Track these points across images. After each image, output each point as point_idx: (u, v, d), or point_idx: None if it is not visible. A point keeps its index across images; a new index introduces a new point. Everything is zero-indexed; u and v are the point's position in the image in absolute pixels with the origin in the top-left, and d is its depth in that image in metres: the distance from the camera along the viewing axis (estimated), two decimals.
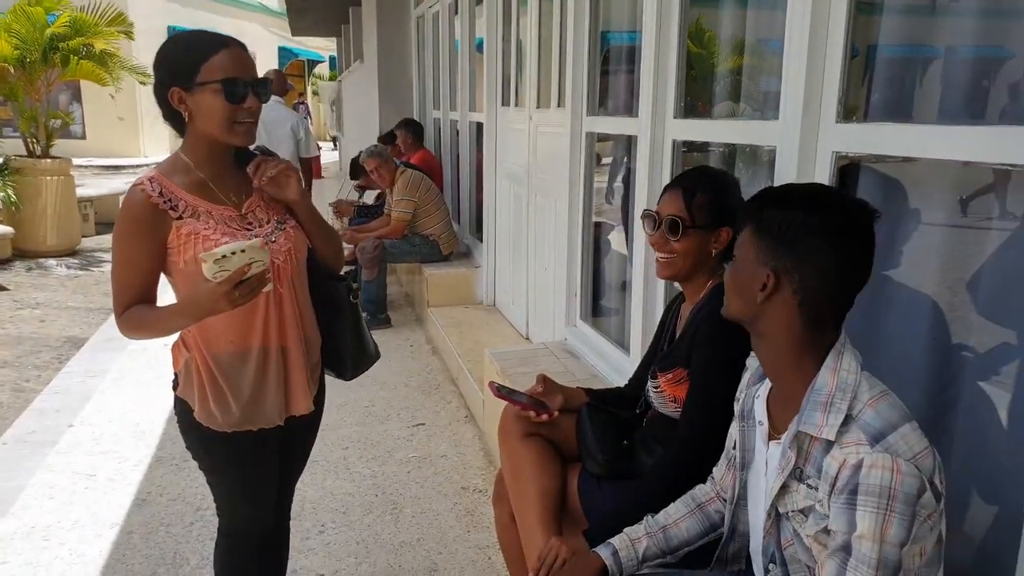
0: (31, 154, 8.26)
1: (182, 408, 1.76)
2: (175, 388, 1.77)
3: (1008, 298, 1.49)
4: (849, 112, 1.72)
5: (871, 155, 1.73)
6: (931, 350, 1.66)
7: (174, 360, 1.77)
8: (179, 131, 1.67)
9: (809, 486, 1.22)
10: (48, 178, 8.11)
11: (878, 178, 1.79)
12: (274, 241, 1.71)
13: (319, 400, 1.92)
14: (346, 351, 1.93)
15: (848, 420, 1.17)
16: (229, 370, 1.70)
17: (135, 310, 1.62)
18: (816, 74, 1.75)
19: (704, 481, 1.61)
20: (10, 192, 7.61)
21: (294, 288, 1.77)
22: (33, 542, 2.77)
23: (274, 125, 5.87)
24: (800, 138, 1.79)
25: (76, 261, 8.09)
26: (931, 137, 1.50)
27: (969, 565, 1.54)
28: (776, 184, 1.85)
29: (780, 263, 1.23)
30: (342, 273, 1.95)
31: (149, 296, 1.64)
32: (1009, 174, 1.45)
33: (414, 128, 6.69)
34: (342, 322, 1.91)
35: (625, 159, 3.23)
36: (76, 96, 18.71)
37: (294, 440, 1.90)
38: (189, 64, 1.58)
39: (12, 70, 7.98)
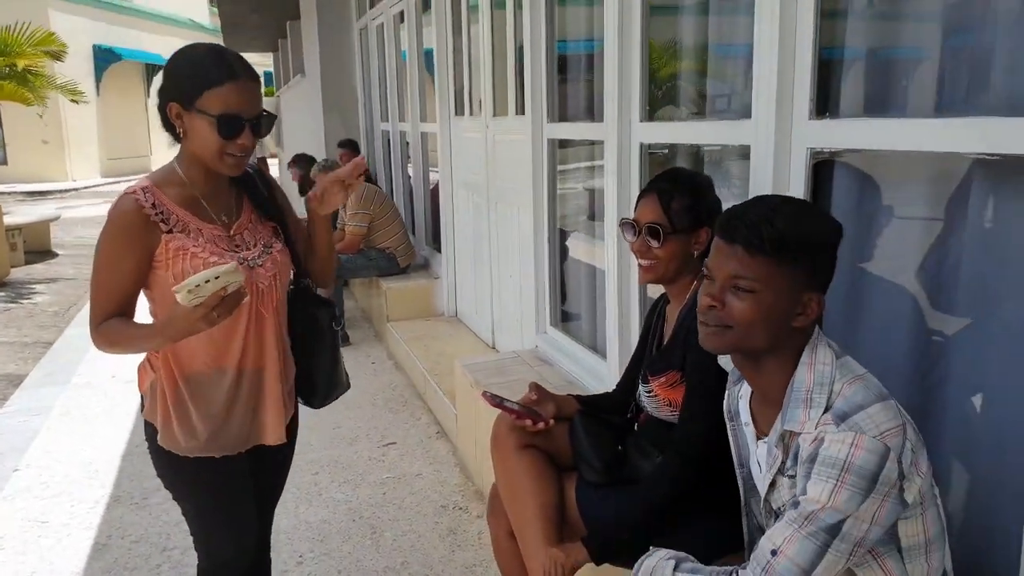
0: None
1: (150, 432, 1.69)
2: (142, 410, 1.71)
3: (978, 286, 1.52)
4: (821, 108, 1.74)
5: (846, 150, 1.74)
6: (910, 339, 1.68)
7: (140, 381, 1.71)
8: (176, 139, 1.61)
9: (789, 476, 1.25)
10: None
11: (853, 173, 1.81)
12: (260, 265, 1.67)
13: (292, 427, 1.86)
14: (320, 379, 1.89)
15: (826, 411, 1.20)
16: (199, 390, 1.64)
17: (113, 323, 1.56)
18: (787, 71, 1.76)
19: (705, 484, 1.59)
20: None
21: (277, 313, 1.72)
22: None
23: None
24: (775, 136, 1.80)
25: (5, 294, 7.72)
26: (905, 130, 1.52)
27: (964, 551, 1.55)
28: (753, 186, 1.87)
29: (817, 280, 1.25)
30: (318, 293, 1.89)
31: (128, 309, 1.59)
32: (981, 164, 1.47)
33: (352, 147, 6.87)
34: (321, 349, 1.86)
35: None
36: None
37: (265, 468, 1.83)
38: (192, 86, 1.52)
39: None
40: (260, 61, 25.83)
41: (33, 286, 7.99)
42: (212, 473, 1.69)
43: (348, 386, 1.98)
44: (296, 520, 3.00)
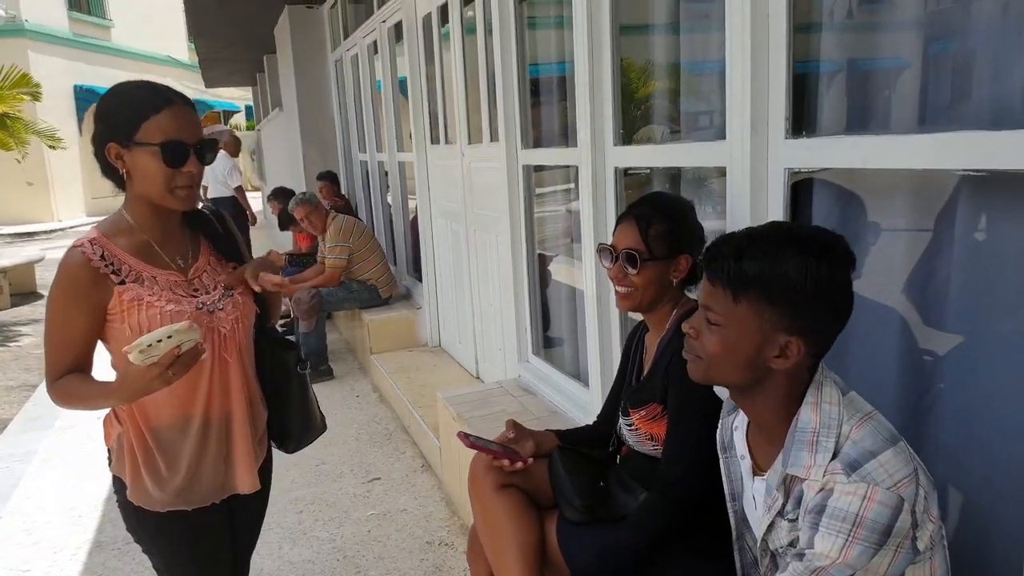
0: None
1: (118, 486, 1.63)
2: (109, 464, 1.65)
3: (968, 302, 1.50)
4: (797, 127, 1.72)
5: (824, 169, 1.72)
6: (901, 361, 1.65)
7: (106, 435, 1.65)
8: (119, 186, 1.55)
9: (790, 520, 1.19)
10: None
11: (835, 190, 1.79)
12: (221, 308, 1.61)
13: (265, 472, 1.80)
14: (292, 423, 1.83)
15: (834, 456, 1.13)
16: (167, 443, 1.59)
17: (69, 380, 1.51)
18: (761, 92, 1.74)
19: (690, 521, 1.53)
20: None
21: (241, 357, 1.67)
22: None
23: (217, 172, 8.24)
24: (751, 157, 1.77)
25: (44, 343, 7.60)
26: (885, 147, 1.49)
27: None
28: (730, 208, 1.85)
29: (799, 324, 1.14)
30: (279, 326, 1.85)
31: (84, 363, 1.53)
32: (966, 179, 1.46)
33: (331, 178, 6.98)
34: (289, 392, 1.80)
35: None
36: None
37: (240, 517, 1.77)
38: (128, 120, 1.47)
39: None
40: (239, 95, 25.93)
41: (18, 328, 7.87)
42: (184, 528, 1.63)
43: (324, 428, 1.92)
44: (280, 561, 2.93)
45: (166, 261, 1.58)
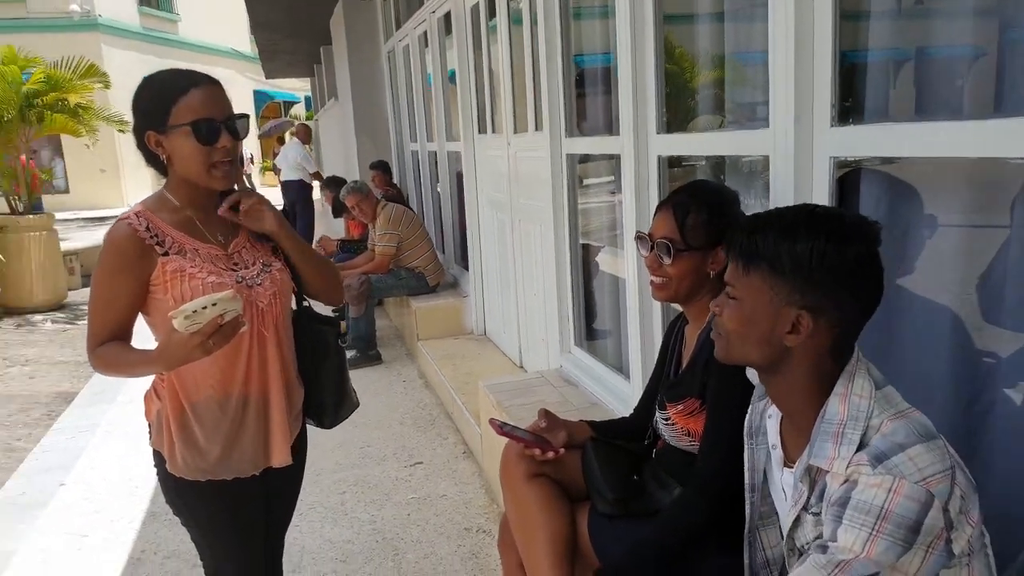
0: (13, 211, 8.19)
1: (158, 460, 1.68)
2: (150, 439, 1.70)
3: None
4: (844, 115, 1.67)
5: (872, 158, 1.67)
6: (954, 360, 1.58)
7: (146, 410, 1.70)
8: (162, 173, 1.62)
9: (814, 514, 1.16)
10: (31, 234, 8.05)
11: (885, 182, 1.73)
12: (259, 283, 1.65)
13: (300, 448, 1.83)
14: (329, 399, 1.85)
15: (859, 448, 1.10)
16: (206, 416, 1.63)
17: (109, 347, 1.56)
18: (805, 78, 1.68)
19: (725, 518, 1.50)
20: None
21: (278, 332, 1.70)
22: None
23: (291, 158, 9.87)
24: (794, 145, 1.72)
25: (63, 315, 7.97)
26: (936, 135, 1.42)
27: None
28: (774, 198, 1.80)
29: (812, 300, 1.13)
30: (331, 310, 1.89)
31: (125, 333, 1.59)
32: None
33: (383, 168, 7.08)
34: (328, 368, 1.83)
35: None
36: (58, 151, 18.65)
37: (276, 491, 1.81)
38: (160, 106, 1.54)
39: None
40: (299, 86, 26.40)
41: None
42: (221, 499, 1.67)
43: (357, 404, 1.94)
44: (321, 539, 3.00)
45: (207, 236, 1.63)
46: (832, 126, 1.66)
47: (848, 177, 1.72)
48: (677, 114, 2.57)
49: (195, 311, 1.35)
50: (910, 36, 1.72)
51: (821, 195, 1.69)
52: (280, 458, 1.73)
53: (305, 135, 10.56)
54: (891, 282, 1.66)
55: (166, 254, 1.56)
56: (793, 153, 1.73)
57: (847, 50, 1.66)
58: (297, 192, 9.86)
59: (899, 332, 1.67)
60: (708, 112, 2.52)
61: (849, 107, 1.69)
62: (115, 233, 1.55)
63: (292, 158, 9.90)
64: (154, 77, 1.59)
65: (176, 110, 1.52)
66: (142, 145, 1.58)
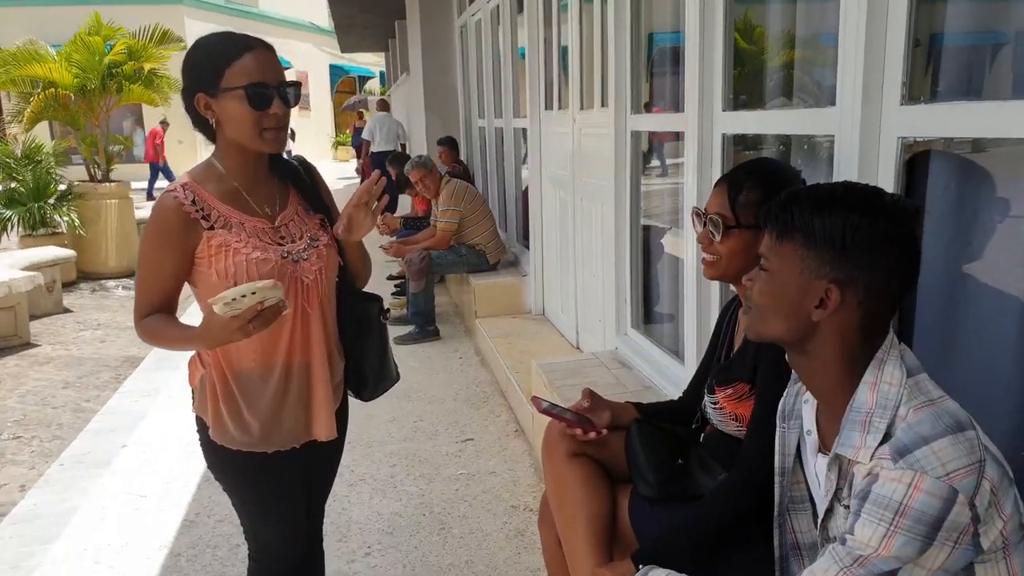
0: (92, 179, 8.51)
1: (200, 426, 1.70)
2: (193, 404, 1.71)
3: None
4: (915, 93, 1.56)
5: (941, 139, 1.55)
6: (1020, 355, 1.48)
7: (190, 375, 1.71)
8: (209, 138, 1.61)
9: (845, 506, 1.13)
10: (108, 201, 8.34)
11: (954, 164, 1.61)
12: (305, 258, 1.64)
13: (341, 420, 1.83)
14: (369, 372, 1.85)
15: (885, 439, 1.06)
16: (249, 387, 1.63)
17: (154, 319, 1.57)
18: (876, 54, 1.59)
19: (769, 510, 1.45)
20: (73, 217, 7.85)
21: (322, 307, 1.69)
22: (84, 564, 2.77)
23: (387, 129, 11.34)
24: (861, 124, 1.63)
25: (135, 282, 8.26)
26: (1012, 113, 1.32)
27: None
28: (837, 178, 1.71)
29: (842, 274, 1.10)
30: (394, 284, 1.87)
31: (170, 304, 1.60)
32: None
33: (451, 144, 7.09)
34: (370, 342, 1.82)
35: None
36: (139, 121, 19.38)
37: (316, 463, 1.82)
38: (213, 69, 1.52)
39: (73, 98, 8.25)
40: (374, 61, 26.71)
41: None
42: (261, 469, 1.68)
43: (397, 378, 1.93)
44: (369, 511, 3.03)
45: (254, 208, 1.62)
46: (902, 104, 1.56)
47: (916, 159, 1.62)
48: (745, 93, 2.45)
49: (234, 299, 1.35)
50: (987, 15, 1.59)
51: (887, 177, 1.61)
52: (324, 431, 1.72)
53: (385, 108, 12.11)
54: (957, 269, 1.56)
55: (211, 228, 1.55)
56: (859, 132, 1.64)
57: (922, 27, 1.55)
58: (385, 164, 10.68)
59: (964, 321, 1.57)
60: (777, 91, 2.40)
61: (920, 86, 1.58)
62: (161, 206, 1.55)
63: (388, 129, 11.27)
64: (207, 40, 1.57)
65: (229, 73, 1.50)
66: (190, 107, 1.57)
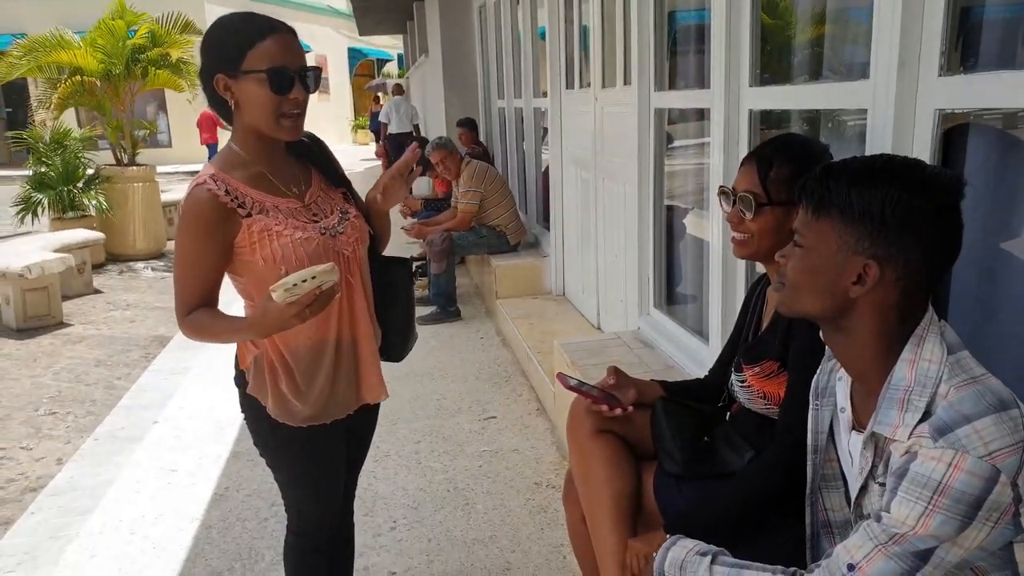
0: (119, 163, 8.61)
1: (252, 405, 1.70)
2: (242, 386, 1.71)
3: None
4: (954, 63, 1.53)
5: (982, 110, 1.53)
6: None
7: (240, 357, 1.71)
8: (226, 119, 1.60)
9: (881, 484, 1.11)
10: (135, 185, 8.45)
11: (994, 136, 1.59)
12: (342, 232, 1.66)
13: None
14: (397, 335, 1.88)
15: (925, 417, 1.04)
16: (305, 364, 1.65)
17: (200, 315, 1.56)
18: (913, 23, 1.56)
19: (800, 489, 1.44)
20: (101, 200, 7.96)
21: (362, 277, 1.72)
22: (120, 535, 2.84)
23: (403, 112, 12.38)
24: (896, 97, 1.60)
25: (162, 264, 8.38)
26: None
27: None
28: (872, 151, 1.69)
29: (881, 250, 1.07)
30: (416, 265, 1.91)
31: (212, 297, 1.59)
32: None
33: (470, 125, 7.09)
34: (396, 306, 1.86)
35: None
36: (162, 107, 19.52)
37: (359, 429, 1.86)
38: (234, 49, 1.50)
39: (98, 83, 8.33)
40: (391, 44, 26.61)
41: None
42: (314, 442, 1.70)
43: (416, 336, 1.98)
44: (395, 486, 3.07)
45: (282, 190, 1.62)
46: (940, 75, 1.53)
47: (953, 132, 1.59)
48: (769, 71, 2.43)
49: (295, 284, 1.36)
50: None
51: (923, 151, 1.58)
52: (374, 394, 1.76)
53: (400, 92, 13.19)
54: (995, 246, 1.54)
55: (249, 215, 1.54)
56: (894, 105, 1.61)
57: None
58: (403, 142, 11.31)
59: (1002, 299, 1.54)
60: (803, 68, 2.37)
61: (959, 55, 1.55)
62: (195, 199, 1.52)
63: (404, 111, 12.26)
64: (228, 19, 1.55)
65: (252, 54, 1.48)
66: (209, 87, 1.55)
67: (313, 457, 1.74)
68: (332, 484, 1.80)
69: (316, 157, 1.74)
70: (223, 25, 1.55)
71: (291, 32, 1.55)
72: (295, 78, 1.52)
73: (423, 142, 6.40)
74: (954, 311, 1.62)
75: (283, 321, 1.41)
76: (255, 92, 1.50)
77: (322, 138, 1.82)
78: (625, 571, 1.58)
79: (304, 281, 1.35)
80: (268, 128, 1.55)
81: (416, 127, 12.21)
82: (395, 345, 1.89)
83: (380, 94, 20.59)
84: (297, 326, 1.46)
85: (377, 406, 1.88)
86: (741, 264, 2.51)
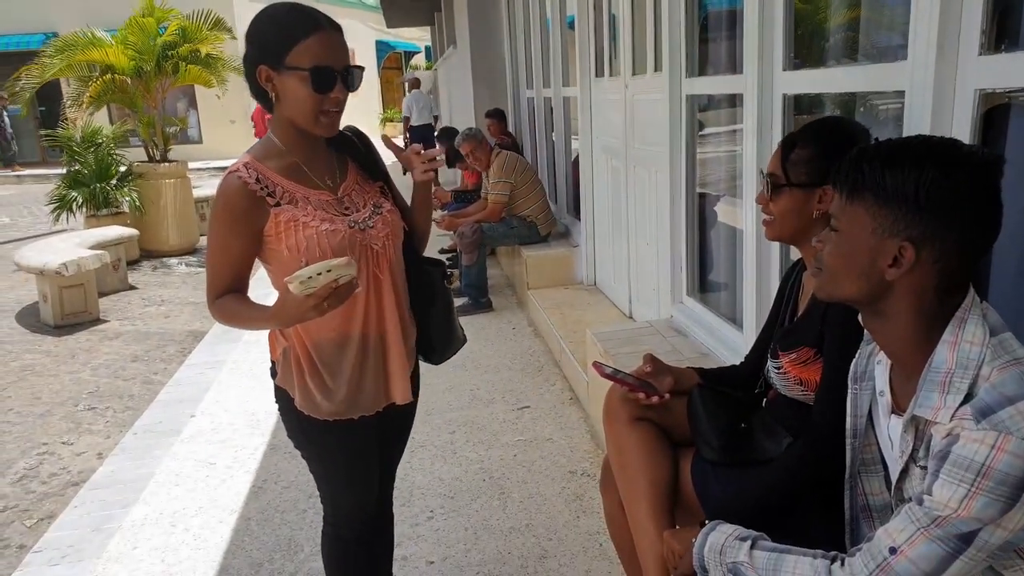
0: (151, 159, 8.74)
1: (282, 396, 1.73)
2: (274, 376, 1.74)
3: None
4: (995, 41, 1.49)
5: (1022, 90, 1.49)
6: None
7: (271, 348, 1.74)
8: (267, 108, 1.61)
9: (921, 467, 1.11)
10: (167, 181, 8.56)
11: None
12: (372, 226, 1.66)
13: (414, 384, 1.87)
14: (437, 336, 1.88)
15: (967, 399, 1.03)
16: (330, 358, 1.66)
17: (228, 300, 1.59)
18: (952, 1, 1.53)
19: (836, 476, 1.43)
20: (134, 196, 8.09)
21: (392, 274, 1.72)
22: (161, 527, 2.90)
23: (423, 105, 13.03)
24: (935, 77, 1.57)
25: (195, 259, 8.48)
26: None
27: None
28: (909, 134, 1.66)
29: (917, 231, 1.06)
30: (446, 258, 1.90)
31: (241, 284, 1.62)
32: None
33: (499, 116, 7.05)
34: (436, 307, 1.85)
35: None
36: (192, 103, 19.76)
37: (392, 427, 1.86)
38: (280, 43, 1.50)
39: (130, 80, 8.45)
40: (419, 36, 26.68)
41: None
42: (346, 436, 1.71)
43: (464, 340, 1.96)
44: (431, 476, 3.10)
45: (316, 181, 1.63)
46: (981, 54, 1.50)
47: (995, 112, 1.55)
48: (800, 56, 2.39)
49: (310, 276, 1.36)
50: None
51: (962, 132, 1.55)
52: (401, 395, 1.76)
53: (416, 85, 13.71)
54: None
55: (278, 204, 1.55)
56: (932, 86, 1.58)
57: None
58: (425, 134, 12.28)
59: None
60: (835, 53, 2.33)
61: (1000, 34, 1.51)
62: (226, 186, 1.54)
63: (423, 104, 12.91)
64: (276, 10, 1.55)
65: (296, 51, 1.49)
66: (251, 76, 1.56)
67: (342, 450, 1.75)
68: (364, 477, 1.81)
69: (356, 151, 1.74)
70: (271, 16, 1.55)
71: (337, 29, 1.56)
72: (337, 77, 1.52)
73: (452, 134, 6.42)
74: (995, 292, 1.58)
75: (302, 313, 1.41)
76: (296, 88, 1.51)
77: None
78: (664, 562, 1.57)
79: (319, 274, 1.36)
80: (306, 124, 1.56)
81: (436, 118, 12.89)
82: (436, 347, 1.89)
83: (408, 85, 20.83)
84: (320, 319, 1.48)
85: (413, 403, 1.88)
86: (775, 250, 2.48)
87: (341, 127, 1.68)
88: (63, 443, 3.88)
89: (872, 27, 2.14)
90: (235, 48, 9.73)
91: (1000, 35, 1.51)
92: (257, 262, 1.64)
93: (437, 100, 17.34)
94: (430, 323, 1.86)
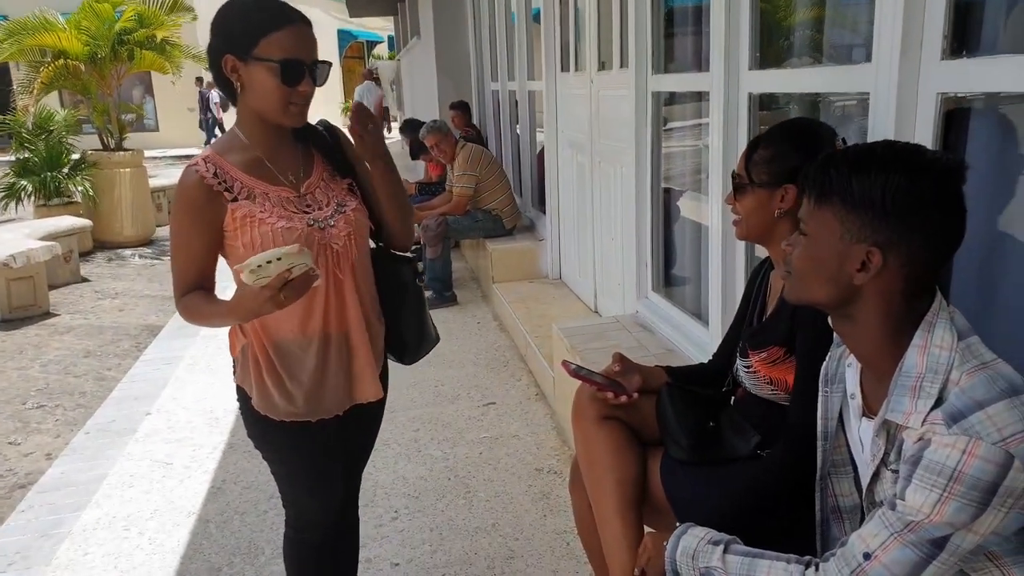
0: (105, 147, 8.49)
1: (241, 396, 1.69)
2: (234, 374, 1.71)
3: None
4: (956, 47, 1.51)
5: (985, 94, 1.51)
6: None
7: (231, 345, 1.70)
8: (231, 99, 1.58)
9: (893, 471, 1.11)
10: (122, 170, 8.31)
11: (996, 120, 1.57)
12: (333, 225, 1.62)
13: (383, 384, 1.82)
14: (409, 335, 1.84)
15: (937, 404, 1.04)
16: (289, 357, 1.63)
17: (193, 297, 1.56)
18: (916, 6, 1.54)
19: (808, 477, 1.43)
20: (87, 186, 7.86)
21: (355, 274, 1.67)
22: (114, 532, 2.81)
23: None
24: (898, 81, 1.59)
25: (151, 251, 8.27)
26: None
27: None
28: (872, 138, 1.68)
29: (884, 236, 1.07)
30: (412, 251, 1.85)
31: (206, 281, 1.58)
32: None
33: (463, 108, 6.99)
34: (406, 306, 1.81)
35: None
36: (149, 90, 19.31)
37: (358, 429, 1.82)
38: (248, 34, 1.47)
39: (83, 67, 8.20)
40: (382, 25, 26.36)
41: None
42: (304, 439, 1.68)
43: (437, 339, 1.92)
44: (394, 476, 3.06)
45: (278, 177, 1.59)
46: (943, 59, 1.52)
47: (955, 115, 1.57)
48: (769, 55, 2.40)
49: (260, 265, 1.32)
50: None
51: (925, 135, 1.57)
52: (368, 393, 1.72)
53: (371, 77, 14.35)
54: (994, 229, 1.53)
55: (235, 200, 1.53)
56: (896, 89, 1.60)
57: None
58: None
59: (1005, 284, 1.54)
60: (804, 52, 2.34)
61: (961, 39, 1.53)
62: (184, 181, 1.53)
63: (375, 96, 13.21)
64: (244, 2, 1.52)
65: (265, 43, 1.46)
66: (215, 65, 1.53)
67: (302, 452, 1.71)
68: (325, 480, 1.77)
69: (325, 146, 1.70)
70: (239, 6, 1.52)
71: (307, 23, 1.53)
72: (306, 71, 1.50)
73: (416, 126, 6.36)
74: (956, 296, 1.61)
75: (259, 305, 1.38)
76: (264, 80, 1.49)
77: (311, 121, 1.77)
78: (634, 560, 1.56)
79: (269, 262, 1.32)
80: (274, 115, 1.53)
81: (386, 110, 13.38)
82: (408, 346, 1.85)
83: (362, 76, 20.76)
84: (280, 317, 1.44)
85: (380, 405, 1.84)
86: (741, 247, 2.50)
87: (313, 122, 1.64)
88: (10, 443, 3.74)
89: (836, 28, 2.15)
90: (193, 33, 9.53)
91: (961, 40, 1.53)
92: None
93: (400, 91, 17.20)
94: (401, 322, 1.82)
